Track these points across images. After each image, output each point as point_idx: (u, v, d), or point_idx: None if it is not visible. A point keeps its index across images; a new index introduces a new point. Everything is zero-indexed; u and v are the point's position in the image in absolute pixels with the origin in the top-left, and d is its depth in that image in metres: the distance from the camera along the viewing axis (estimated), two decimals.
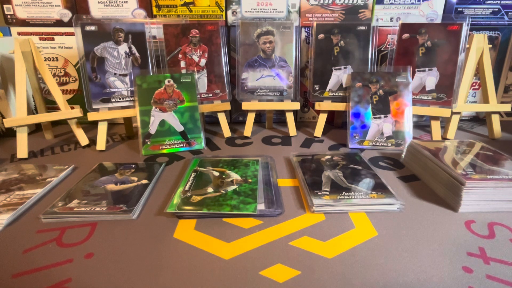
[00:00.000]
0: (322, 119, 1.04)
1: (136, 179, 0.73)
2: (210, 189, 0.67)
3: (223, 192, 0.66)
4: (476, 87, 1.16)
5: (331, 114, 1.16)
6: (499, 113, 1.02)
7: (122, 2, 1.05)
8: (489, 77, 0.99)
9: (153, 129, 0.90)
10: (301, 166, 0.78)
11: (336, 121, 1.16)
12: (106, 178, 0.73)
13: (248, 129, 1.04)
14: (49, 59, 1.10)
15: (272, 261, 0.50)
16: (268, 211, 0.61)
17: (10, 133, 1.02)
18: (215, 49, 1.00)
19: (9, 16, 1.06)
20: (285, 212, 0.62)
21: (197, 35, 0.99)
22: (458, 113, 0.99)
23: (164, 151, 0.90)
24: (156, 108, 0.91)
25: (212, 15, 1.07)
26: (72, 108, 0.96)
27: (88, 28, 0.90)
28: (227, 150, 0.94)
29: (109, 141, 1.01)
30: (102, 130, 0.93)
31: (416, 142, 0.81)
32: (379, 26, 1.07)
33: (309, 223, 0.59)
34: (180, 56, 0.98)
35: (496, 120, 1.01)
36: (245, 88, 1.02)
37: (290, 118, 1.04)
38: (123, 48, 0.93)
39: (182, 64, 0.99)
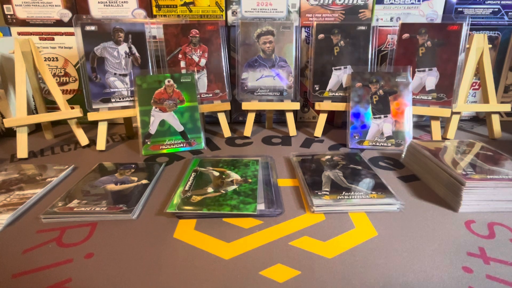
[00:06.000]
0: (322, 119, 1.04)
1: (136, 179, 0.73)
2: (210, 189, 0.67)
3: (223, 192, 0.66)
4: (476, 87, 1.16)
5: (331, 114, 1.16)
6: (499, 113, 1.02)
7: (122, 2, 1.05)
8: (489, 77, 0.99)
9: (153, 129, 0.90)
10: (301, 166, 0.78)
11: (336, 121, 1.16)
12: (106, 178, 0.73)
13: (248, 129, 1.04)
14: (49, 59, 1.10)
15: (272, 261, 0.50)
16: (268, 211, 0.61)
17: (10, 133, 1.02)
18: (215, 49, 1.00)
19: (9, 16, 1.06)
20: (285, 212, 0.62)
21: (197, 35, 0.99)
22: (458, 113, 0.99)
23: (164, 151, 0.90)
24: (156, 108, 0.91)
25: (212, 15, 1.07)
26: (72, 108, 0.96)
27: (88, 28, 0.90)
28: (227, 150, 0.94)
29: (109, 141, 1.01)
30: (102, 130, 0.93)
31: (416, 142, 0.81)
32: (379, 26, 1.07)
33: (309, 223, 0.59)
34: (180, 56, 0.98)
35: (496, 120, 1.01)
36: (245, 88, 1.02)
37: (290, 118, 1.04)
38: (123, 48, 0.93)
39: (182, 64, 0.99)
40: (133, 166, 0.80)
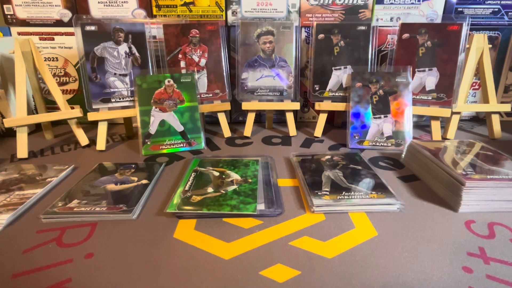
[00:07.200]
0: (322, 119, 1.04)
1: (136, 179, 0.73)
2: (210, 189, 0.67)
3: (223, 192, 0.66)
4: (476, 87, 1.16)
5: (331, 114, 1.16)
6: (499, 113, 1.02)
7: (122, 2, 1.05)
8: (489, 77, 0.99)
9: (153, 129, 0.90)
10: (301, 166, 0.78)
11: (336, 121, 1.16)
12: (106, 178, 0.73)
13: (248, 129, 1.04)
14: (49, 59, 1.10)
15: (272, 261, 0.50)
16: (268, 211, 0.61)
17: (10, 133, 1.02)
18: (215, 49, 1.00)
19: (9, 16, 1.06)
20: (285, 212, 0.62)
21: (197, 35, 0.99)
22: (458, 113, 0.99)
23: (164, 151, 0.90)
24: (156, 108, 0.91)
25: (212, 15, 1.07)
26: (72, 108, 0.96)
27: (88, 28, 0.90)
28: (227, 150, 0.94)
29: (109, 141, 1.01)
30: (102, 130, 0.93)
31: (416, 142, 0.81)
32: (379, 26, 1.07)
33: (309, 223, 0.59)
34: (180, 56, 0.98)
35: (496, 120, 1.01)
36: (245, 88, 1.02)
37: (290, 118, 1.04)
38: (123, 48, 0.93)
39: (182, 64, 0.99)
40: (133, 166, 0.80)
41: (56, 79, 1.12)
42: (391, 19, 1.08)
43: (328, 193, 0.65)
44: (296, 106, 1.02)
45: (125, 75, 0.94)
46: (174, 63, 0.98)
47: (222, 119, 1.04)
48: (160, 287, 0.45)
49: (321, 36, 1.01)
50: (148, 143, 0.89)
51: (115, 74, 0.93)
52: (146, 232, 0.57)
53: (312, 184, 0.69)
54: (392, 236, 0.55)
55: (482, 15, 1.08)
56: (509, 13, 1.08)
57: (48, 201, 0.66)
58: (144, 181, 0.72)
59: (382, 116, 0.93)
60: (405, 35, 0.98)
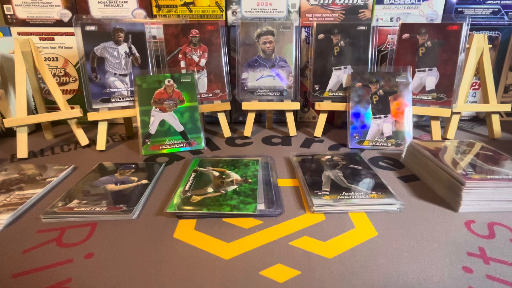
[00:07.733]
0: (322, 119, 1.04)
1: (136, 179, 0.73)
2: (210, 189, 0.67)
3: (223, 192, 0.66)
4: (476, 87, 1.16)
5: (331, 114, 1.16)
6: (499, 113, 1.02)
7: (122, 2, 1.05)
8: (489, 77, 0.99)
9: (153, 129, 0.90)
10: (301, 166, 0.78)
11: (336, 121, 1.16)
12: (106, 178, 0.73)
13: (248, 129, 1.04)
14: (49, 59, 1.10)
15: (272, 261, 0.50)
16: (268, 211, 0.61)
17: (10, 133, 1.02)
18: (215, 49, 1.00)
19: (9, 16, 1.06)
20: (285, 212, 0.62)
21: (197, 35, 0.99)
22: (458, 113, 0.99)
23: (164, 151, 0.90)
24: (156, 108, 0.91)
25: (212, 15, 1.07)
26: (72, 108, 0.96)
27: (88, 28, 0.90)
28: (227, 150, 0.94)
29: (109, 141, 1.01)
30: (102, 130, 0.93)
31: (416, 142, 0.81)
32: (379, 26, 1.07)
33: (309, 223, 0.59)
34: (180, 56, 0.98)
35: (496, 120, 1.01)
36: (245, 88, 1.02)
37: (290, 118, 1.04)
38: (123, 48, 0.93)
39: (182, 64, 0.99)
40: (133, 166, 0.80)
41: (56, 79, 1.12)
42: (391, 19, 1.08)
43: (328, 193, 0.65)
44: (296, 106, 1.02)
45: (125, 75, 0.94)
46: (174, 63, 0.98)
47: (222, 119, 1.04)
48: (160, 287, 0.45)
49: (321, 36, 1.01)
50: (148, 143, 0.89)
51: (115, 74, 0.93)
52: (146, 232, 0.57)
53: (312, 184, 0.69)
54: (392, 236, 0.55)
55: (482, 15, 1.08)
56: (509, 13, 1.08)
57: (48, 201, 0.66)
58: (144, 181, 0.72)
59: (382, 116, 0.93)
60: (405, 35, 0.98)
